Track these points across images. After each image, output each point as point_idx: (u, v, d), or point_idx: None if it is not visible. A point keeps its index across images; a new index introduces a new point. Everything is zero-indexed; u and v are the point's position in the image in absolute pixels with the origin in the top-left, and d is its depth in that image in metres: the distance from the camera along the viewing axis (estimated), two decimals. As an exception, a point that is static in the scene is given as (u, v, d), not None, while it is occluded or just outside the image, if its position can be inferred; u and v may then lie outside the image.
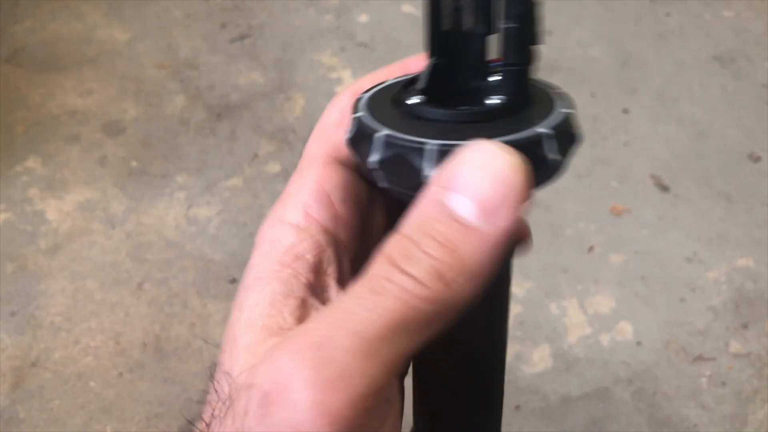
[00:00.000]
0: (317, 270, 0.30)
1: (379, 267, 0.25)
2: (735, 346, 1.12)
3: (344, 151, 0.34)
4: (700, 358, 1.11)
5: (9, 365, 1.04)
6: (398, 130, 0.29)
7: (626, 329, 1.13)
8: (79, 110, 1.38)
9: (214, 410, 0.28)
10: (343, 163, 0.35)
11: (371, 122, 0.30)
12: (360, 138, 0.30)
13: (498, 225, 0.25)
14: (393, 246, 0.25)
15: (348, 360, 0.23)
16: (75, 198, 1.25)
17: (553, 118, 0.28)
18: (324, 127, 0.36)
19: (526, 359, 1.09)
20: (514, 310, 1.14)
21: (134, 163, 1.31)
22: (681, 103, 1.47)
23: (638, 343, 1.12)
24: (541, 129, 0.27)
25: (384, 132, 0.28)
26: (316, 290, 0.30)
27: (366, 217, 0.36)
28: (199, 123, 1.38)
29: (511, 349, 1.09)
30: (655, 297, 1.17)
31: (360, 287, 0.25)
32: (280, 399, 0.24)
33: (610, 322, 1.14)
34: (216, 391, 0.28)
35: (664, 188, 1.32)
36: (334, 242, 0.32)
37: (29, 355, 1.05)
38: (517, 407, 1.04)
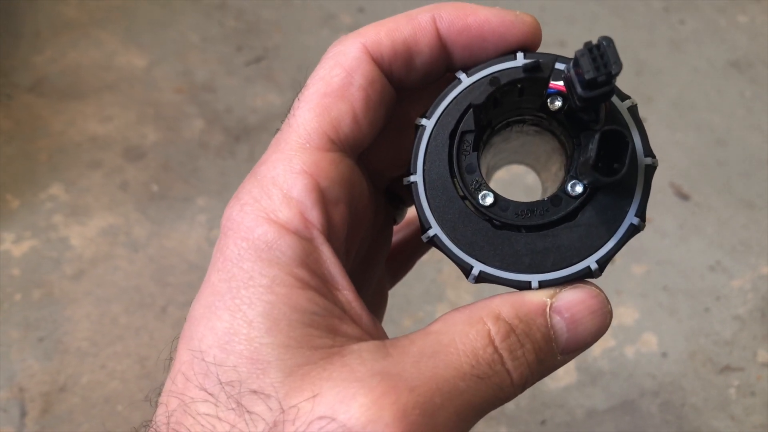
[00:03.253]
0: (325, 280, 0.31)
1: (485, 348, 0.29)
2: (763, 356, 1.11)
3: (345, 131, 0.31)
4: (727, 369, 1.10)
5: (38, 391, 1.05)
6: (493, 258, 0.32)
7: (651, 340, 1.12)
8: (100, 136, 1.40)
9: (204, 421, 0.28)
10: (342, 150, 0.32)
11: (457, 251, 0.32)
12: (449, 259, 0.32)
13: (567, 359, 0.33)
14: (499, 329, 0.30)
15: None
16: (98, 223, 1.27)
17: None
18: (325, 92, 0.32)
19: (551, 373, 1.09)
20: (537, 323, 1.13)
21: (155, 187, 1.33)
22: (698, 110, 1.46)
23: (663, 355, 1.11)
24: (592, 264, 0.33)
25: (479, 269, 0.32)
26: (332, 301, 0.31)
27: (361, 212, 0.35)
28: (218, 146, 1.40)
29: (535, 364, 1.08)
30: (679, 307, 1.16)
31: (465, 361, 0.29)
32: None
33: (634, 333, 1.13)
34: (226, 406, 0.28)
35: (685, 196, 1.31)
36: (332, 246, 0.31)
37: (57, 380, 1.06)
38: (543, 422, 1.04)
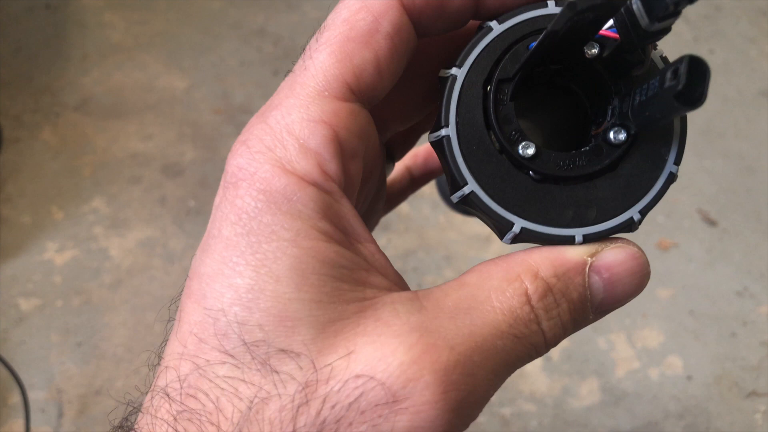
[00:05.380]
0: (347, 233, 0.29)
1: (522, 307, 0.28)
2: (790, 381, 1.10)
3: (367, 81, 0.29)
4: (753, 394, 1.09)
5: (75, 393, 1.09)
6: (534, 212, 0.30)
7: (676, 363, 1.12)
8: (140, 153, 1.46)
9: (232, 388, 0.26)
10: (360, 100, 0.30)
11: (496, 208, 0.29)
12: (489, 219, 0.30)
13: (598, 318, 0.31)
14: (537, 288, 0.29)
15: (484, 394, 0.27)
16: (136, 236, 1.32)
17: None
18: (349, 36, 0.29)
19: (574, 393, 1.09)
20: (562, 344, 1.14)
21: (192, 203, 1.37)
22: (727, 138, 1.47)
23: (689, 378, 1.10)
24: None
25: (521, 225, 0.30)
26: (356, 254, 0.29)
27: (371, 166, 0.33)
28: (253, 164, 1.44)
29: (559, 383, 1.09)
30: (705, 331, 1.16)
31: (502, 320, 0.28)
32: (411, 408, 0.25)
33: (659, 356, 1.13)
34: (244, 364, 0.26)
35: (712, 223, 1.31)
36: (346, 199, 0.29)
37: (93, 383, 1.10)
38: (566, 441, 1.04)
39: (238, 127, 1.52)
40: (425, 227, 1.27)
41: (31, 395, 1.09)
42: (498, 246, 1.22)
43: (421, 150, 0.52)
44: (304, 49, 0.30)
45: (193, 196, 1.38)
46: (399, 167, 0.50)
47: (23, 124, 1.49)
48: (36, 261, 1.27)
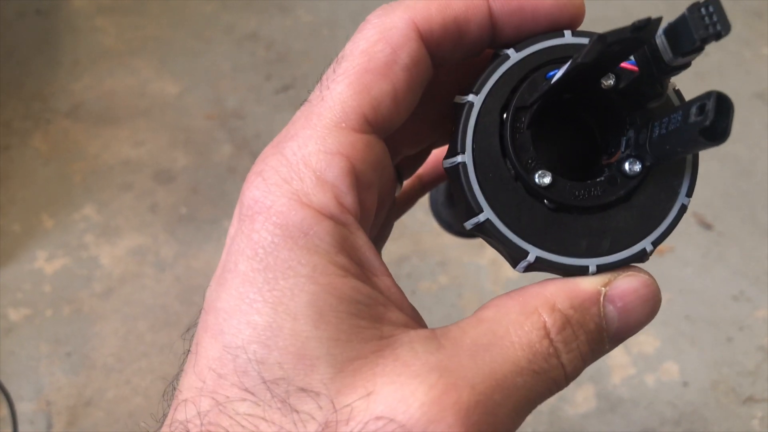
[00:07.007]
0: (363, 266, 0.29)
1: (540, 341, 0.28)
2: (787, 387, 1.09)
3: (384, 112, 0.29)
4: (750, 399, 1.08)
5: (64, 404, 1.08)
6: (549, 242, 0.30)
7: (672, 369, 1.11)
8: (132, 160, 1.45)
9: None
10: (375, 132, 0.30)
11: (512, 236, 0.30)
12: (503, 248, 0.31)
13: (613, 347, 0.31)
14: (555, 321, 0.29)
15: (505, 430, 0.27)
16: (127, 243, 1.30)
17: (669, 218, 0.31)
18: (367, 68, 0.29)
19: (570, 399, 1.08)
20: (557, 350, 1.13)
21: (184, 210, 1.36)
22: (722, 140, 1.46)
23: (685, 384, 1.10)
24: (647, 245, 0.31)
25: (535, 254, 0.30)
26: (372, 288, 0.29)
27: (385, 196, 0.33)
28: (246, 170, 1.43)
29: (554, 390, 1.08)
30: (701, 336, 1.15)
31: (521, 355, 0.28)
32: None
33: (655, 362, 1.12)
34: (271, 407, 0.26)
35: (707, 226, 1.31)
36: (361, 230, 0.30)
37: (83, 394, 1.09)
38: (562, 449, 1.03)
39: (231, 132, 1.51)
40: (420, 233, 1.26)
41: (20, 407, 1.07)
42: (493, 251, 1.22)
43: (430, 155, 0.51)
44: (320, 79, 0.30)
45: (184, 203, 1.37)
46: None
47: (13, 131, 1.48)
48: (26, 270, 1.26)
